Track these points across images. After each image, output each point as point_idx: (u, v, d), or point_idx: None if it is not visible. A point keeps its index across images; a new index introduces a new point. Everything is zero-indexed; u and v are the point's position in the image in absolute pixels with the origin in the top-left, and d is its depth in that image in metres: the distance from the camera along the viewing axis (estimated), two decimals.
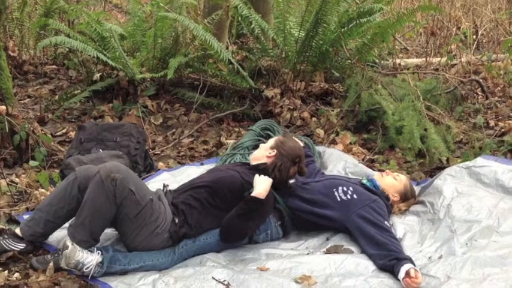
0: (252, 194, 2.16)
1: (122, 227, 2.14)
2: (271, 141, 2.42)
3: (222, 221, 2.22)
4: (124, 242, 2.18)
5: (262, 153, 2.38)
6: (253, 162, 2.39)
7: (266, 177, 2.22)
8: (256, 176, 2.22)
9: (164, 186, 2.36)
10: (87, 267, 2.00)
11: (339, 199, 2.35)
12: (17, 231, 2.19)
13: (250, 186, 2.20)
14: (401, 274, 1.95)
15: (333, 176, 2.68)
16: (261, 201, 2.16)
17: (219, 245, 2.25)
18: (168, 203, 2.22)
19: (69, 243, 2.00)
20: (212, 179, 2.28)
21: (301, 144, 2.60)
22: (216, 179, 2.28)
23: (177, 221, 2.17)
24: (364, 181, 2.51)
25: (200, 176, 2.44)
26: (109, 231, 2.24)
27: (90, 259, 2.01)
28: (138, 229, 2.10)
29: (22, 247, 2.16)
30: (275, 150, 2.35)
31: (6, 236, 2.18)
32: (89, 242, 2.07)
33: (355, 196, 2.35)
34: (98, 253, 2.04)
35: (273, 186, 2.25)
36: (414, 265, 1.99)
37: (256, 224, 2.24)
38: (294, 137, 2.54)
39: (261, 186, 2.18)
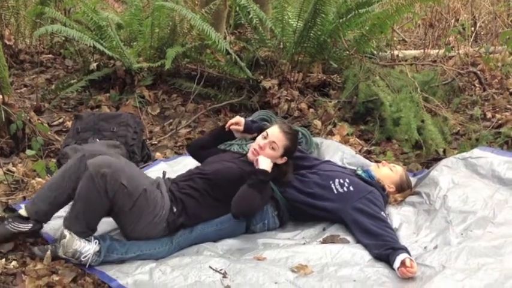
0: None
1: (119, 219, 2.14)
2: (280, 149, 2.31)
3: (219, 212, 2.23)
4: (123, 233, 2.18)
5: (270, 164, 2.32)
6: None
7: (269, 159, 2.29)
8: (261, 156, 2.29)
9: (163, 173, 2.37)
10: (85, 256, 2.00)
11: (335, 191, 2.35)
12: (21, 212, 2.16)
13: (249, 175, 2.22)
14: (397, 263, 1.97)
15: (329, 168, 2.63)
16: (268, 174, 2.23)
17: (216, 235, 2.26)
18: (166, 190, 2.22)
19: (66, 232, 2.00)
20: (211, 171, 2.28)
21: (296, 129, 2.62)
22: (214, 170, 2.29)
23: (175, 210, 2.17)
24: (359, 172, 2.51)
25: (198, 167, 2.43)
26: (107, 220, 2.24)
27: (88, 248, 2.01)
28: (135, 220, 2.10)
29: (30, 226, 2.13)
30: (285, 157, 2.35)
31: (10, 220, 2.14)
32: (86, 233, 2.06)
33: (351, 188, 2.35)
34: (96, 242, 2.04)
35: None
36: (410, 255, 2.01)
37: (262, 200, 2.25)
38: (286, 125, 2.51)
39: (265, 164, 2.25)
